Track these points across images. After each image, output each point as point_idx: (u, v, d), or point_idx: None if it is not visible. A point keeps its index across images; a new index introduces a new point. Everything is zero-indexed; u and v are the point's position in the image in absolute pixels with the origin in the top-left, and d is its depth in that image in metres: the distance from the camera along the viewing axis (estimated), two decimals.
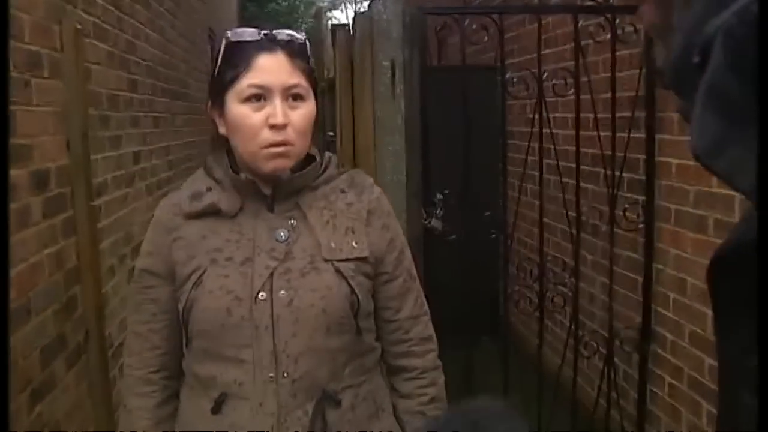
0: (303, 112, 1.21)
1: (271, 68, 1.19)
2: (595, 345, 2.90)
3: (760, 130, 0.36)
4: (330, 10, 28.89)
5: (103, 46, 2.90)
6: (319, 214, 1.26)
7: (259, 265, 1.21)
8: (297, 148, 1.22)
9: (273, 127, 1.18)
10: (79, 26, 2.46)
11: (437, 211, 2.45)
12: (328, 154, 1.35)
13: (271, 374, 1.19)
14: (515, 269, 2.92)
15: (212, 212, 1.25)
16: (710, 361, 2.49)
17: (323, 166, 1.31)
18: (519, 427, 0.57)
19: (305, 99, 1.22)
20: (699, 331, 2.54)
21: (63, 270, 2.29)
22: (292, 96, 1.21)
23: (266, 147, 1.19)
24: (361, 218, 1.28)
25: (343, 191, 1.30)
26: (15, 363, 1.88)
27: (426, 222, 2.29)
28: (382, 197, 1.34)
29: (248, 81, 1.19)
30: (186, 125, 4.85)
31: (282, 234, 1.23)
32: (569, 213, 2.79)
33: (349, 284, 1.22)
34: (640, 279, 2.92)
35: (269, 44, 1.20)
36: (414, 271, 1.36)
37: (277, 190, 1.26)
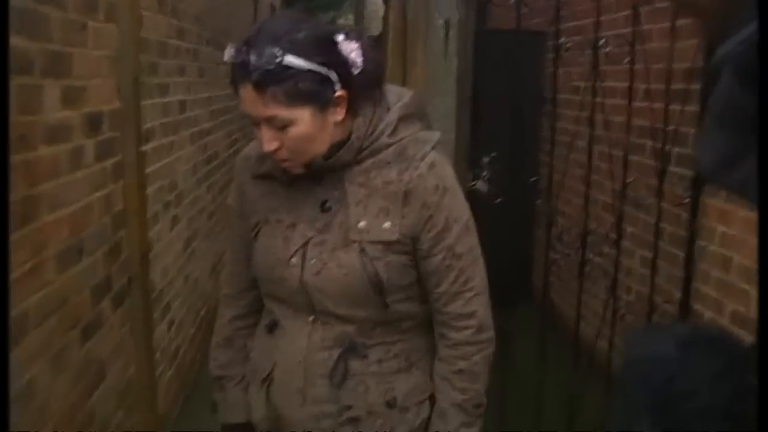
0: (292, 135, 1.19)
1: (246, 100, 1.18)
2: (632, 319, 2.89)
3: (760, 133, 0.37)
4: None
5: None
6: (356, 191, 1.27)
7: (298, 233, 1.30)
8: (299, 159, 1.24)
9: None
10: None
11: (484, 174, 2.43)
12: (387, 120, 1.27)
13: (310, 318, 1.33)
14: (556, 238, 2.91)
15: (272, 176, 1.33)
16: (752, 341, 2.47)
17: (373, 136, 1.26)
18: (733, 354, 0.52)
19: (290, 125, 1.18)
20: (741, 309, 2.52)
21: (111, 213, 2.33)
22: (275, 125, 1.19)
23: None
24: (398, 198, 1.25)
25: (388, 164, 1.26)
26: (66, 301, 1.93)
27: (472, 184, 2.29)
28: (430, 172, 1.26)
29: (240, 105, 1.21)
30: (228, 76, 4.85)
31: (325, 206, 1.29)
32: (614, 184, 2.76)
33: (374, 266, 1.25)
34: (682, 254, 2.89)
35: (241, 74, 1.16)
36: (461, 248, 1.29)
37: (318, 168, 1.28)
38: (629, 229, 3.28)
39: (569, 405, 2.73)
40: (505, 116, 2.48)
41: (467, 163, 2.25)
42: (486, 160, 2.47)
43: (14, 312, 1.59)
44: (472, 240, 1.33)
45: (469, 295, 1.31)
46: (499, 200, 2.33)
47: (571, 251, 2.93)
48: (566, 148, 2.83)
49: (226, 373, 1.50)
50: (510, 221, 2.31)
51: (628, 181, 2.78)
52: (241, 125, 5.27)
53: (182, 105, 3.38)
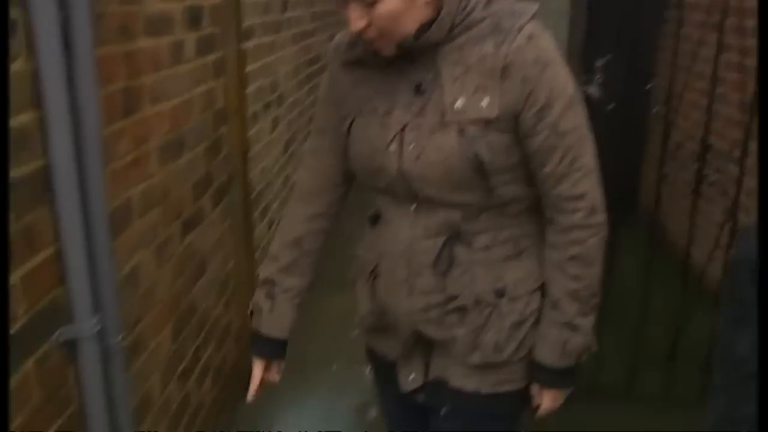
0: (381, 12, 1.15)
1: None
2: None
3: (759, 134, 0.27)
4: None
5: None
6: (451, 69, 1.20)
7: (394, 118, 1.24)
8: (389, 39, 1.18)
9: None
10: None
11: (597, 78, 2.27)
12: None
13: (413, 206, 1.29)
14: (671, 153, 2.72)
15: (363, 63, 1.28)
16: None
17: (465, 11, 1.18)
18: None
19: (378, 1, 1.14)
20: None
21: (212, 110, 2.34)
22: (363, 1, 1.14)
23: None
24: (495, 73, 1.17)
25: (483, 38, 1.18)
26: (167, 194, 1.97)
27: (584, 88, 2.14)
28: (529, 44, 1.17)
29: None
30: None
31: (419, 88, 1.23)
32: (743, 96, 2.52)
33: (475, 147, 1.18)
34: None
35: None
36: (566, 126, 1.20)
37: (410, 49, 1.21)
38: (753, 144, 3.03)
39: (674, 325, 2.62)
40: (623, 17, 2.28)
41: (580, 65, 2.09)
42: (600, 62, 2.30)
43: (117, 202, 1.63)
44: (578, 116, 1.22)
45: (577, 175, 1.22)
46: (611, 107, 2.18)
47: (686, 167, 2.73)
48: (689, 57, 2.60)
49: (281, 280, 1.44)
50: (621, 130, 2.16)
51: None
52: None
53: (284, 4, 3.32)
